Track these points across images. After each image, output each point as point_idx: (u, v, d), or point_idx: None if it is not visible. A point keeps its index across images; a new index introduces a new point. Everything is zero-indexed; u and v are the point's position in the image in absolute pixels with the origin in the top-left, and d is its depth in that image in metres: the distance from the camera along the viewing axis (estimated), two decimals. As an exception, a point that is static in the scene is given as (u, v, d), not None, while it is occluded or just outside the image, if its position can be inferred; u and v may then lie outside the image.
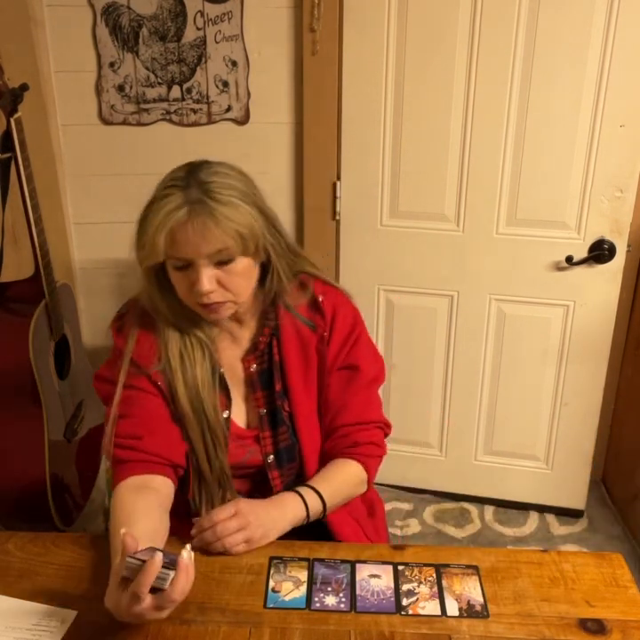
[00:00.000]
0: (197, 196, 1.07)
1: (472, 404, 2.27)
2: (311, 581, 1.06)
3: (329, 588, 1.05)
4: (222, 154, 1.96)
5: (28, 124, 1.67)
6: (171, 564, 0.86)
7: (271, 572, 1.08)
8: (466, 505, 2.37)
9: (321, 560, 1.11)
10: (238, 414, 1.27)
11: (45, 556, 1.12)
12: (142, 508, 1.07)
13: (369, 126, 2.01)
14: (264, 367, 1.26)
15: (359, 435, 1.27)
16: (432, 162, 2.01)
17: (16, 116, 1.62)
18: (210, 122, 2.04)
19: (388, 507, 2.31)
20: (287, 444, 1.26)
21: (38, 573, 1.08)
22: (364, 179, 2.07)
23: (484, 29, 1.86)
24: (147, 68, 1.99)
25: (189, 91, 2.01)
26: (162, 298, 1.19)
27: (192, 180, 1.08)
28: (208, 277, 1.10)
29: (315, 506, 1.19)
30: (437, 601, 1.03)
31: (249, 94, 2.01)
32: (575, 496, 2.30)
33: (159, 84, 2.00)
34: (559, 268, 2.04)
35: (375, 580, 1.07)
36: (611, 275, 2.02)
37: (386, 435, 1.34)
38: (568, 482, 2.29)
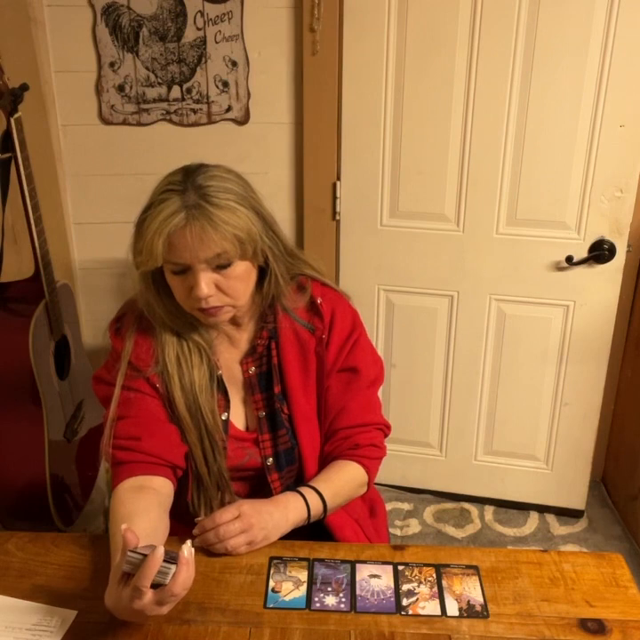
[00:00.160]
0: (195, 200, 1.06)
1: (472, 403, 2.27)
2: (311, 581, 1.06)
3: (329, 588, 1.05)
4: (222, 154, 1.97)
5: (27, 124, 1.67)
6: (171, 559, 0.86)
7: (271, 571, 1.08)
8: (466, 505, 2.38)
9: (321, 560, 1.11)
10: (237, 417, 1.27)
11: (45, 556, 1.12)
12: (142, 507, 1.08)
13: (369, 126, 2.01)
14: (263, 370, 1.26)
15: (360, 437, 1.27)
16: (432, 162, 2.01)
17: (16, 115, 1.62)
18: (210, 122, 2.04)
19: (388, 507, 2.31)
20: (286, 447, 1.26)
21: (38, 573, 1.08)
22: (363, 179, 2.07)
23: (484, 29, 1.86)
24: (147, 68, 1.99)
25: (189, 91, 2.01)
26: (159, 302, 1.19)
27: (189, 185, 1.08)
28: (206, 282, 1.10)
29: (316, 506, 1.19)
30: (437, 601, 1.03)
31: (249, 94, 2.01)
32: (575, 496, 2.30)
33: (159, 84, 2.00)
34: (559, 268, 2.04)
35: (375, 580, 1.07)
36: (611, 275, 2.02)
37: (386, 436, 1.34)
38: (568, 482, 2.29)
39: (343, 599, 1.03)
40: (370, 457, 1.28)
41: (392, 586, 1.06)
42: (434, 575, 1.08)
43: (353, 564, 1.10)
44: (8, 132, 1.63)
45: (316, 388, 1.27)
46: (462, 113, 1.94)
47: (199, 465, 1.22)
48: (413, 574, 1.08)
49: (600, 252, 1.97)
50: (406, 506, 2.37)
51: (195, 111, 2.03)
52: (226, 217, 1.07)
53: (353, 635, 0.98)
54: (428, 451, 2.37)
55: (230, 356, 1.27)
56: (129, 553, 0.86)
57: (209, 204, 1.06)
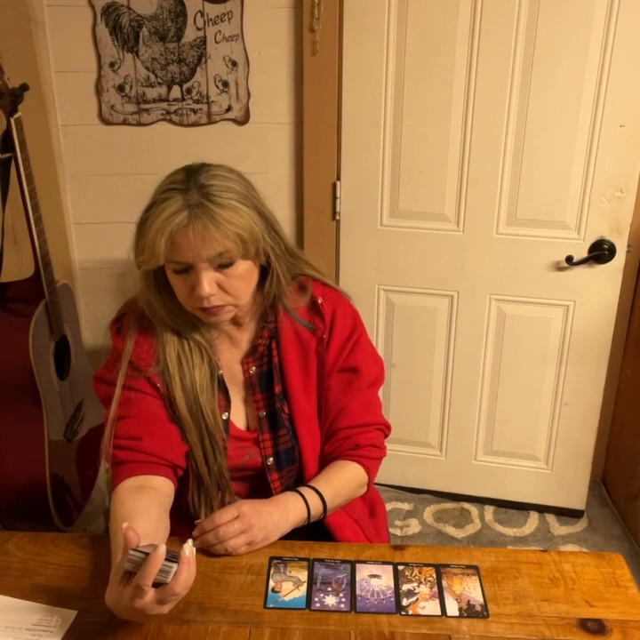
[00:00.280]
0: (198, 199, 1.06)
1: (472, 403, 2.27)
2: (311, 581, 1.06)
3: (329, 588, 1.05)
4: (222, 154, 1.97)
5: (27, 124, 1.67)
6: (173, 557, 0.87)
7: (271, 571, 1.08)
8: (466, 505, 2.38)
9: (321, 560, 1.11)
10: (238, 416, 1.27)
11: (45, 556, 1.12)
12: (142, 507, 1.08)
13: (369, 126, 2.01)
14: (263, 369, 1.26)
15: (360, 437, 1.27)
16: (432, 162, 2.01)
17: (16, 115, 1.62)
18: (210, 122, 2.04)
19: (388, 507, 2.31)
20: (287, 447, 1.26)
21: (38, 573, 1.08)
22: (363, 179, 2.07)
23: (484, 29, 1.86)
24: (147, 68, 1.99)
25: (189, 91, 2.01)
26: (160, 302, 1.19)
27: (191, 184, 1.08)
28: (208, 281, 1.10)
29: (316, 506, 1.19)
30: (437, 601, 1.03)
31: (249, 94, 2.01)
32: (575, 496, 2.30)
33: (159, 84, 2.00)
34: (559, 268, 2.04)
35: (375, 579, 1.07)
36: (611, 275, 2.02)
37: (386, 436, 1.34)
38: (568, 482, 2.29)
39: (343, 599, 1.03)
40: (370, 457, 1.28)
41: (392, 586, 1.06)
42: (434, 575, 1.08)
43: (353, 563, 1.10)
44: (8, 132, 1.63)
45: (316, 387, 1.27)
46: (462, 113, 1.94)
47: (199, 465, 1.22)
48: (413, 574, 1.08)
49: (600, 252, 1.97)
50: (406, 506, 2.37)
51: (195, 111, 2.03)
52: (228, 216, 1.07)
53: (353, 635, 0.98)
54: (427, 451, 2.37)
55: (231, 356, 1.27)
56: (131, 551, 0.86)
57: (212, 203, 1.06)
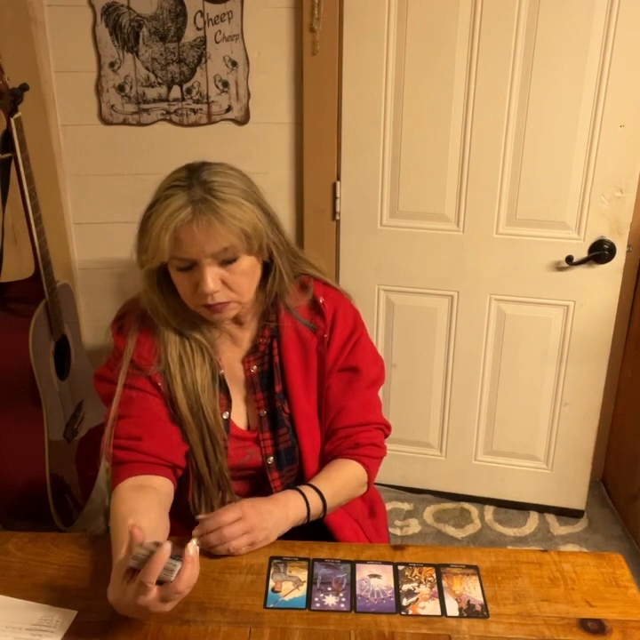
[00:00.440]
0: (201, 195, 1.07)
1: (472, 403, 2.27)
2: (311, 581, 1.06)
3: (329, 588, 1.05)
4: (222, 154, 1.97)
5: (27, 124, 1.67)
6: (177, 556, 0.87)
7: (271, 571, 1.08)
8: (466, 505, 2.38)
9: (321, 560, 1.11)
10: (238, 416, 1.27)
11: (45, 556, 1.12)
12: (142, 506, 1.08)
13: (369, 126, 2.01)
14: (264, 368, 1.26)
15: (360, 436, 1.27)
16: (432, 162, 2.01)
17: (16, 116, 1.62)
18: (210, 122, 2.04)
19: (388, 507, 2.31)
20: (287, 446, 1.26)
21: (38, 573, 1.08)
22: (363, 179, 2.07)
23: (484, 29, 1.86)
24: (147, 68, 1.99)
25: (189, 91, 2.01)
26: (163, 301, 1.19)
27: (194, 180, 1.08)
28: (212, 277, 1.10)
29: (316, 505, 1.19)
30: (437, 601, 1.03)
31: (249, 94, 2.01)
32: (575, 496, 2.30)
33: (159, 84, 2.00)
34: (559, 268, 2.04)
35: (375, 579, 1.07)
36: (611, 275, 2.02)
37: (386, 436, 1.34)
38: (568, 482, 2.29)
39: (343, 599, 1.03)
40: (370, 456, 1.28)
41: (392, 586, 1.06)
42: (434, 575, 1.08)
43: (353, 563, 1.10)
44: (8, 132, 1.63)
45: (316, 387, 1.27)
46: (462, 113, 1.94)
47: (200, 464, 1.22)
48: (413, 574, 1.08)
49: (600, 252, 1.97)
50: (406, 506, 2.37)
51: (195, 111, 2.03)
52: (232, 211, 1.07)
53: (353, 635, 0.98)
54: (427, 451, 2.37)
55: (232, 355, 1.27)
56: (136, 548, 0.86)
57: (215, 199, 1.06)
